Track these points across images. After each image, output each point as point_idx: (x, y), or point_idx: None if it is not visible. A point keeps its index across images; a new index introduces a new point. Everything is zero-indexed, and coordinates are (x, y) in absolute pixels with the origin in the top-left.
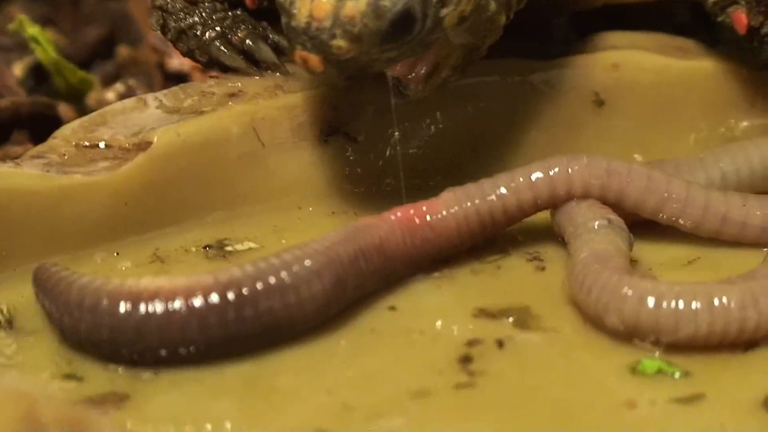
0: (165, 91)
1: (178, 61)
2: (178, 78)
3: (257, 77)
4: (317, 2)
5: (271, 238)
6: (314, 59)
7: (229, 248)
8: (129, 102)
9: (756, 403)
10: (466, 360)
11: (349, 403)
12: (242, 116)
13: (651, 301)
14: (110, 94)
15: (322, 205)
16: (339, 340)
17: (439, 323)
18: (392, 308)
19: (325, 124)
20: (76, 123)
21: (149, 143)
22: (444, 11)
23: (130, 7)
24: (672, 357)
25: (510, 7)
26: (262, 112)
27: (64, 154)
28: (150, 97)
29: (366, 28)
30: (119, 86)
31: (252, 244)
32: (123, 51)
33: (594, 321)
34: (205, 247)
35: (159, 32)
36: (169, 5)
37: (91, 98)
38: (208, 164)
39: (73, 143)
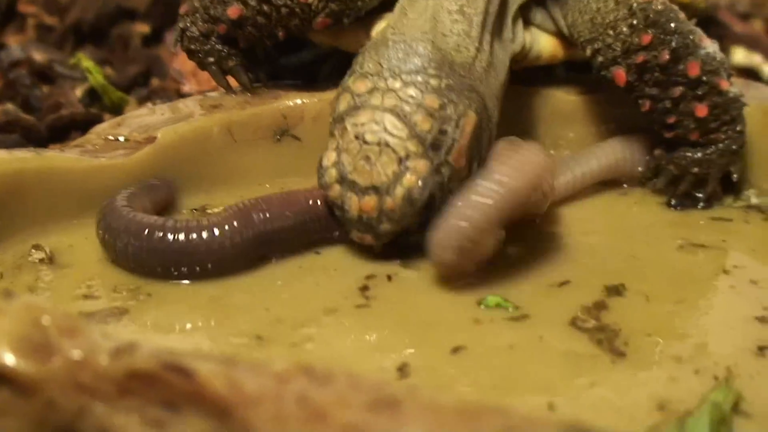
0: (169, 104)
1: (188, 87)
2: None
3: (233, 95)
4: (364, 201)
5: None
6: (369, 238)
7: (209, 211)
8: (143, 110)
9: (565, 322)
10: (364, 288)
11: (281, 317)
12: (221, 121)
13: None
14: (143, 110)
15: (276, 184)
16: (277, 272)
17: (348, 262)
18: (317, 252)
19: (277, 128)
20: (106, 123)
21: (155, 138)
22: (453, 183)
23: (161, 53)
24: (508, 296)
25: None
26: (235, 118)
27: (96, 145)
28: (158, 108)
29: (403, 213)
30: (149, 104)
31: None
32: (154, 81)
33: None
34: (193, 210)
35: (177, 43)
36: (188, 31)
37: (128, 111)
38: (197, 153)
39: (102, 137)
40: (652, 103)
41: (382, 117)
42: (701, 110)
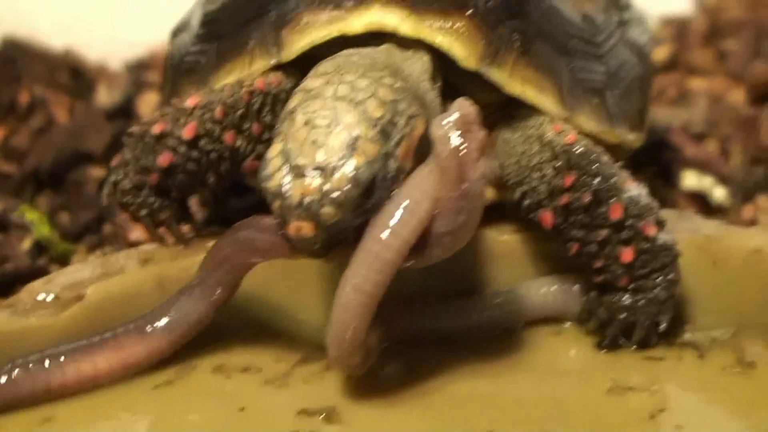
0: (102, 259)
1: (135, 235)
2: (136, 245)
3: (166, 246)
4: (307, 182)
5: (171, 358)
6: (307, 226)
7: None
8: (75, 267)
9: None
10: None
11: None
12: (153, 275)
13: None
14: (92, 257)
15: (205, 333)
16: None
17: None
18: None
19: None
20: (38, 281)
21: (84, 296)
22: (395, 186)
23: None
24: None
25: None
26: (166, 272)
27: (27, 304)
28: (90, 263)
29: (347, 196)
30: (98, 252)
31: None
32: (107, 228)
33: None
34: None
35: (108, 197)
36: (120, 184)
37: (75, 260)
38: (127, 310)
39: (33, 296)
40: (579, 247)
41: (334, 104)
42: (627, 255)
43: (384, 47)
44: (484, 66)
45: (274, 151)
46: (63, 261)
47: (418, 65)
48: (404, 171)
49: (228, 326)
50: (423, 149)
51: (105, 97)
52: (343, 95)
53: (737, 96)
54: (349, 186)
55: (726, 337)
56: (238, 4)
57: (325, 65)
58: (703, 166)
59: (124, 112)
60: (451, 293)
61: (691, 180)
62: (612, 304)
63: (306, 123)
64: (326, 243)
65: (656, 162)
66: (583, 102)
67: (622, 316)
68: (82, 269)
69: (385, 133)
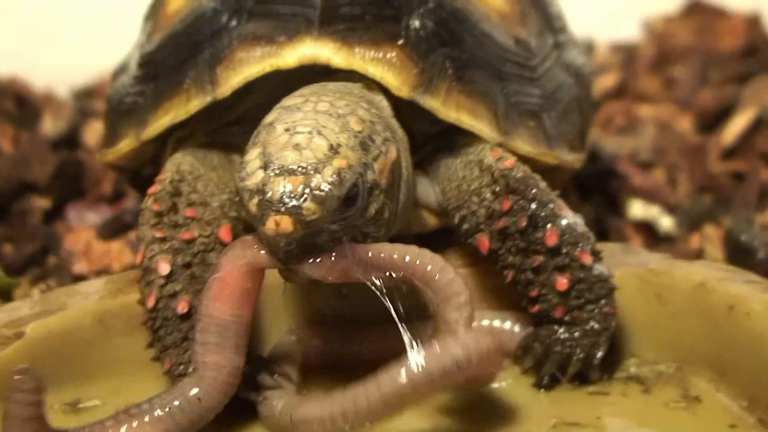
0: (42, 296)
1: (78, 267)
2: (81, 279)
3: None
4: (291, 177)
5: (112, 396)
6: (287, 220)
7: (80, 405)
8: (15, 303)
9: None
10: None
11: None
12: (93, 312)
13: None
14: (35, 291)
15: (147, 370)
16: None
17: None
18: None
19: None
20: None
21: (23, 333)
22: (371, 199)
23: (60, 229)
24: None
25: (390, 228)
26: (107, 308)
27: None
28: (30, 300)
29: (329, 194)
30: (42, 285)
31: (97, 401)
32: (51, 260)
33: None
34: (65, 405)
35: None
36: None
37: (18, 294)
38: (67, 347)
39: None
40: (515, 273)
41: (315, 116)
42: (562, 283)
43: (357, 84)
44: (418, 94)
45: (252, 154)
46: (5, 295)
47: (386, 104)
48: (379, 187)
49: None
50: (395, 175)
51: (50, 126)
52: (325, 109)
53: (684, 124)
54: (330, 185)
55: (671, 371)
56: (173, 45)
57: (301, 90)
58: (650, 196)
59: (70, 141)
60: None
61: (638, 209)
62: (547, 338)
63: (287, 130)
64: (302, 245)
65: (604, 191)
66: (519, 125)
67: (557, 349)
68: (22, 306)
69: (364, 146)
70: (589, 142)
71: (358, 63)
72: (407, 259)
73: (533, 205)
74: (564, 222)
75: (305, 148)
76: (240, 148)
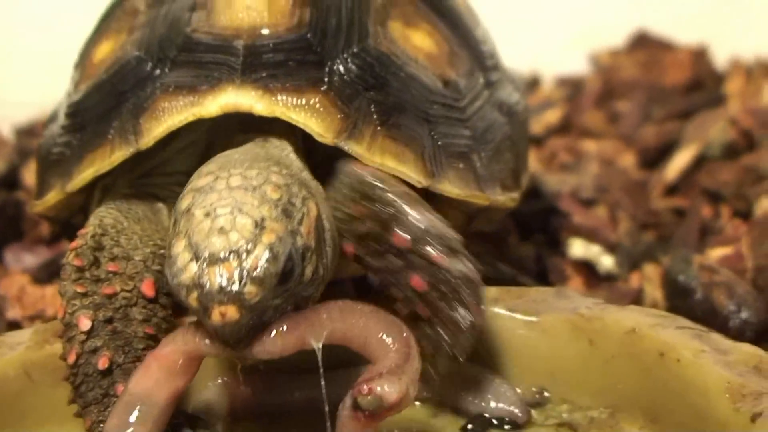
0: None
1: (12, 313)
2: (14, 324)
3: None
4: (225, 265)
5: None
6: (232, 309)
7: None
8: None
9: None
10: None
11: None
12: (17, 363)
13: None
14: None
15: (73, 422)
16: None
17: None
18: None
19: None
20: None
21: None
22: (305, 264)
23: None
24: None
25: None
26: (32, 359)
27: None
28: None
29: (266, 272)
30: None
31: None
32: None
33: None
34: None
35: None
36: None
37: None
38: None
39: None
40: (381, 277)
41: (230, 193)
42: (417, 283)
43: (258, 140)
44: (342, 140)
45: (179, 248)
46: None
47: (291, 150)
48: (310, 249)
49: None
50: (320, 230)
51: None
52: (238, 185)
53: (628, 159)
54: (266, 263)
55: (604, 416)
56: (99, 94)
57: (208, 166)
58: (591, 235)
59: (9, 182)
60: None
61: (578, 248)
62: (421, 338)
63: (207, 215)
64: (251, 327)
65: (545, 229)
66: (447, 167)
67: (424, 343)
68: None
69: (287, 213)
70: (526, 180)
71: (280, 110)
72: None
73: (385, 208)
74: (411, 221)
75: (230, 231)
76: (164, 198)
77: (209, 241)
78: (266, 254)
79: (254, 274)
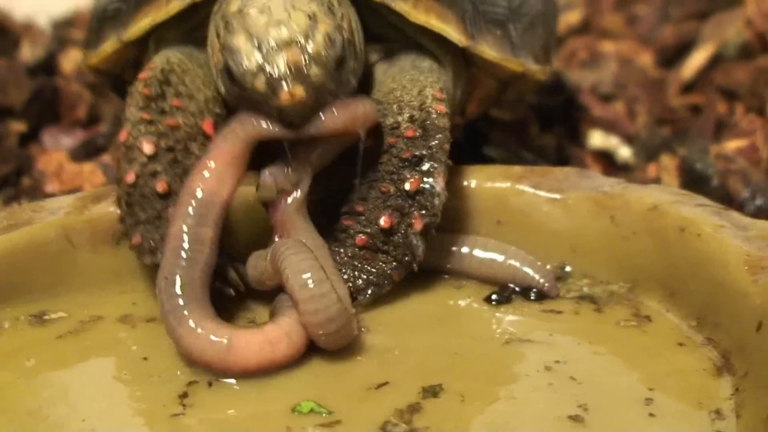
0: (8, 211)
1: (51, 187)
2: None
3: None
4: (290, 53)
5: (78, 309)
6: (299, 89)
7: (45, 317)
8: None
9: (376, 427)
10: (184, 395)
11: (96, 428)
12: (59, 226)
13: None
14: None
15: (112, 285)
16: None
17: (173, 368)
18: (145, 359)
19: (116, 231)
20: None
21: None
22: (349, 55)
23: (32, 152)
24: (325, 400)
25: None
26: (72, 224)
27: None
28: None
29: (327, 55)
30: (16, 205)
31: (62, 314)
32: (26, 181)
33: None
34: (30, 316)
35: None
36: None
37: None
38: (33, 260)
39: None
40: (376, 184)
41: None
42: (385, 221)
43: None
44: None
45: (240, 41)
46: None
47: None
48: (353, 43)
49: (135, 277)
50: (353, 33)
51: (29, 53)
52: None
53: (645, 59)
54: (326, 48)
55: (623, 291)
56: None
57: None
58: (609, 126)
59: (47, 68)
60: None
61: (597, 139)
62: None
63: (261, 12)
64: (311, 108)
65: (565, 121)
66: (486, 32)
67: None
68: None
69: (332, 11)
70: (555, 57)
71: None
72: None
73: (424, 152)
74: (432, 186)
75: (288, 23)
76: None
77: (270, 31)
78: (326, 40)
79: (317, 57)
